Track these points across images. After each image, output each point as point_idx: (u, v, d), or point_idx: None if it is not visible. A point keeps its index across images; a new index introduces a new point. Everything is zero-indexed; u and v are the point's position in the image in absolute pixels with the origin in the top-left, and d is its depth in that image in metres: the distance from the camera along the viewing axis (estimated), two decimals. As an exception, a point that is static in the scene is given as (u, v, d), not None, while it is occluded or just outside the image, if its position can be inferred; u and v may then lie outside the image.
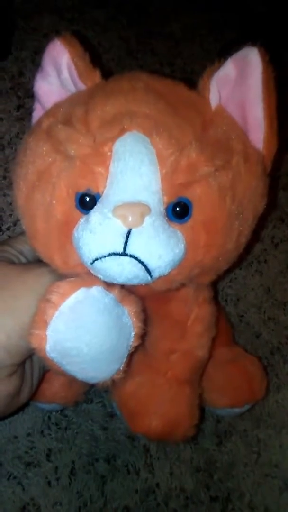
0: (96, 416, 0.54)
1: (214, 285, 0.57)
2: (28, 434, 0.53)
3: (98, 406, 0.55)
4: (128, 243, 0.32)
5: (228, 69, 0.37)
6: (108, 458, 0.53)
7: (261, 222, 0.64)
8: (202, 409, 0.52)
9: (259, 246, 0.64)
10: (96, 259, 0.33)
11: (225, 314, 0.59)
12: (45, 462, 0.52)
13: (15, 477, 0.51)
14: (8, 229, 0.60)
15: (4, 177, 0.62)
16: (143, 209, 0.32)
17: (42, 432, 0.53)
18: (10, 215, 0.60)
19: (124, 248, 0.32)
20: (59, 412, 0.54)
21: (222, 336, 0.51)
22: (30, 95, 0.65)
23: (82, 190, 0.34)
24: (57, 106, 0.39)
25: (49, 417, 0.54)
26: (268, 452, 0.55)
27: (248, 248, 0.63)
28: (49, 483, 0.51)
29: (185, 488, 0.53)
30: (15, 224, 0.60)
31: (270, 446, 0.55)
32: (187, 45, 0.77)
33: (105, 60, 0.73)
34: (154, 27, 0.78)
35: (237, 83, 0.37)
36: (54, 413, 0.54)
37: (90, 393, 0.55)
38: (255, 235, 0.63)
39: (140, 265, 0.32)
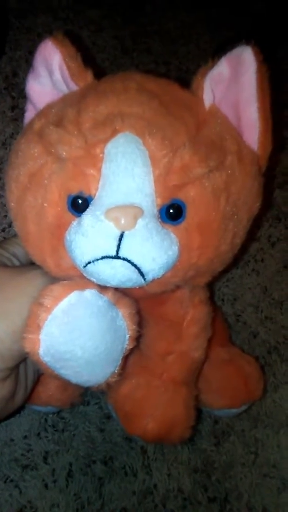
0: (93, 418, 0.54)
1: (210, 285, 0.57)
2: (25, 437, 0.53)
3: (95, 408, 0.55)
4: (121, 246, 0.32)
5: (222, 68, 0.36)
6: (106, 460, 0.53)
7: (257, 221, 0.65)
8: (199, 410, 0.52)
9: (255, 245, 0.64)
10: (89, 262, 0.33)
11: (221, 314, 0.59)
12: (42, 465, 0.52)
13: (12, 480, 0.51)
14: (3, 230, 0.60)
15: (-1, 179, 0.62)
16: (136, 212, 0.32)
17: (38, 434, 0.53)
18: (5, 216, 0.60)
19: (117, 251, 0.32)
20: (55, 414, 0.54)
21: (218, 337, 0.50)
22: (25, 96, 0.63)
23: (74, 192, 0.34)
24: (49, 107, 0.39)
25: (46, 420, 0.54)
26: (266, 452, 0.55)
27: (244, 247, 0.63)
28: (46, 485, 0.51)
29: (183, 489, 0.53)
30: (10, 226, 0.60)
31: (268, 446, 0.55)
32: (183, 44, 0.76)
33: (100, 60, 0.72)
34: (149, 26, 0.77)
35: (231, 83, 0.36)
36: (50, 415, 0.54)
37: (87, 395, 0.55)
38: (251, 234, 0.63)
39: (133, 268, 0.32)
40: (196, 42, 0.76)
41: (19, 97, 0.66)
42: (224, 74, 0.36)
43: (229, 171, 0.35)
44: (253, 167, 0.37)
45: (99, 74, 0.40)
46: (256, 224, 0.64)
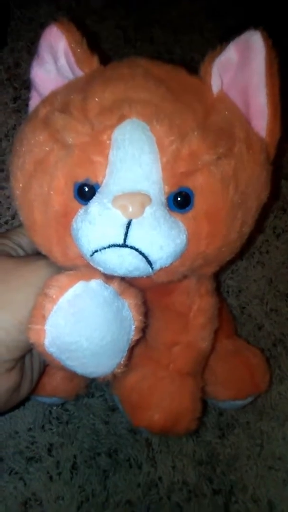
0: (97, 410, 0.54)
1: (216, 276, 0.56)
2: (29, 429, 0.53)
3: (99, 400, 0.54)
4: (128, 234, 0.31)
5: (230, 53, 0.36)
6: (110, 452, 0.53)
7: (263, 212, 0.64)
8: (204, 402, 0.51)
9: (260, 236, 0.64)
10: (96, 251, 0.32)
11: (227, 306, 0.58)
12: (46, 457, 0.52)
13: (16, 473, 0.51)
14: (6, 223, 0.60)
15: (2, 170, 0.61)
16: (143, 199, 0.31)
17: (43, 427, 0.53)
18: (8, 208, 0.60)
19: (125, 240, 0.31)
20: (60, 406, 0.54)
21: (224, 328, 0.50)
22: (27, 86, 0.64)
23: (81, 180, 0.34)
24: (54, 93, 0.38)
25: (50, 412, 0.54)
26: (271, 445, 0.55)
27: (250, 238, 0.62)
28: (50, 477, 0.51)
29: (188, 481, 0.52)
30: (13, 218, 0.59)
31: (273, 439, 0.55)
32: (186, 33, 0.75)
33: (103, 49, 0.71)
34: (152, 15, 0.76)
35: (239, 68, 0.36)
36: (55, 408, 0.54)
37: (92, 387, 0.54)
38: (257, 226, 0.63)
39: (141, 256, 0.32)
40: (199, 31, 0.76)
41: (21, 88, 0.65)
42: (232, 59, 0.36)
43: (238, 159, 0.35)
44: (261, 154, 0.37)
45: (105, 60, 0.39)
46: (261, 215, 0.64)
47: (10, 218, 0.60)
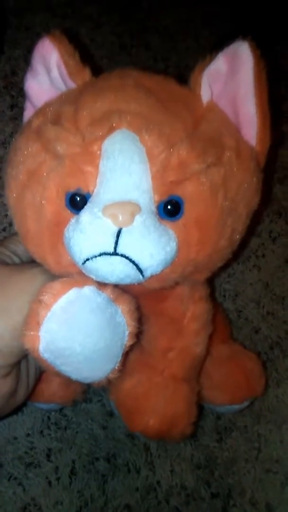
0: (95, 415, 0.54)
1: (212, 281, 0.57)
2: (28, 435, 0.53)
3: (97, 405, 0.55)
4: (118, 243, 0.32)
5: (219, 64, 0.36)
6: (108, 457, 0.53)
7: (258, 217, 0.64)
8: (201, 407, 0.52)
9: (256, 240, 0.64)
10: (88, 259, 0.33)
11: (222, 311, 0.58)
12: (45, 462, 0.52)
13: (15, 478, 0.51)
14: (4, 230, 0.60)
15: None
16: (133, 208, 0.32)
17: (41, 432, 0.53)
18: (6, 215, 0.60)
19: (115, 248, 0.32)
20: (58, 412, 0.54)
21: (219, 333, 0.51)
22: (24, 94, 0.64)
23: (72, 189, 0.34)
24: (47, 105, 0.39)
25: (49, 417, 0.54)
26: (269, 448, 0.55)
27: (245, 243, 0.63)
28: (49, 483, 0.51)
29: (186, 485, 0.53)
30: (11, 225, 0.60)
31: (270, 442, 0.55)
32: (182, 39, 0.76)
33: (98, 57, 0.72)
34: (147, 22, 0.77)
35: (229, 78, 0.36)
36: (53, 413, 0.54)
37: (89, 392, 0.55)
38: (252, 230, 0.63)
39: (131, 264, 0.32)
40: (194, 37, 0.76)
41: (18, 96, 0.66)
42: (221, 70, 0.36)
43: (227, 167, 0.35)
44: (251, 162, 0.37)
45: (98, 72, 0.40)
46: (256, 219, 0.64)
47: (7, 225, 0.60)
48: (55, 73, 0.39)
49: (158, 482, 0.52)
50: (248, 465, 0.54)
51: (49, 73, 0.39)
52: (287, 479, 0.54)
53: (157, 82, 0.38)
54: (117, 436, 0.54)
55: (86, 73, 0.39)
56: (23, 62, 0.69)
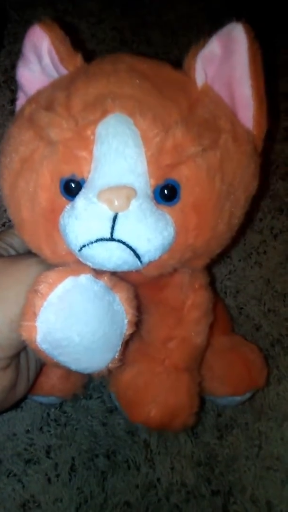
0: (95, 412, 0.54)
1: (210, 270, 0.56)
2: (27, 431, 0.53)
3: (97, 402, 0.54)
4: (115, 228, 0.31)
5: (213, 46, 0.36)
6: (108, 454, 0.53)
7: (259, 213, 0.64)
8: (202, 401, 0.51)
9: (258, 237, 0.63)
10: (84, 246, 0.32)
11: (223, 303, 0.58)
12: (44, 459, 0.52)
13: (15, 475, 0.51)
14: (3, 225, 0.60)
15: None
16: (129, 192, 0.31)
17: (41, 428, 0.53)
18: (5, 211, 0.59)
19: (111, 233, 0.31)
20: (58, 408, 0.54)
21: (220, 325, 0.50)
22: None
23: (66, 176, 0.34)
24: (39, 92, 0.39)
25: (48, 414, 0.54)
26: (269, 445, 0.55)
27: (246, 239, 0.63)
28: (49, 479, 0.51)
29: (186, 482, 0.52)
30: (10, 220, 0.59)
31: (271, 439, 0.55)
32: (183, 34, 0.75)
33: (100, 52, 0.72)
34: (149, 17, 0.76)
35: (223, 61, 0.36)
36: (53, 410, 0.54)
37: (89, 389, 0.55)
38: (253, 226, 0.63)
39: (128, 250, 0.32)
40: (196, 32, 0.75)
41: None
42: (215, 52, 0.36)
43: (224, 150, 0.35)
44: (248, 146, 0.37)
45: (89, 57, 0.39)
46: (258, 216, 0.64)
47: (7, 221, 0.60)
48: (46, 60, 0.38)
49: (158, 479, 0.52)
50: (249, 462, 0.54)
51: (40, 60, 0.39)
52: (287, 476, 0.53)
53: (151, 67, 0.38)
54: (117, 433, 0.53)
55: (78, 59, 0.39)
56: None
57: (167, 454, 0.53)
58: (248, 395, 0.50)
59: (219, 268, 0.62)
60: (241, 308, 0.61)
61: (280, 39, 0.74)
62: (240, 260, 0.62)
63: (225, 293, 0.61)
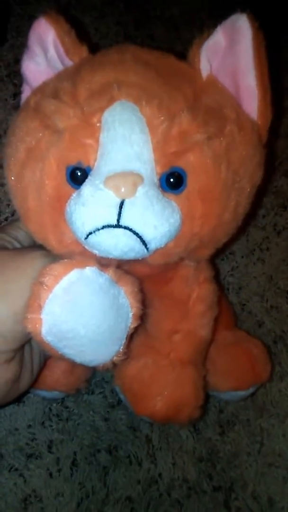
0: (97, 407, 0.54)
1: (214, 264, 0.56)
2: (29, 426, 0.53)
3: (99, 397, 0.54)
4: (121, 214, 0.31)
5: (218, 37, 0.36)
6: (110, 449, 0.53)
7: (262, 209, 0.64)
8: (206, 394, 0.51)
9: (261, 233, 0.63)
10: (90, 233, 0.32)
11: (226, 298, 0.58)
12: (46, 454, 0.52)
13: (16, 469, 0.51)
14: (6, 219, 0.59)
15: (1, 167, 0.61)
16: (135, 179, 0.32)
17: (43, 423, 0.53)
18: (8, 205, 0.59)
19: (118, 220, 0.31)
20: (60, 403, 0.54)
21: (224, 320, 0.50)
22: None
23: (73, 163, 0.34)
24: (44, 83, 0.39)
25: (50, 409, 0.54)
26: (271, 442, 0.55)
27: (249, 235, 0.62)
28: (50, 474, 0.51)
29: (188, 478, 0.52)
30: (13, 214, 0.59)
31: (273, 436, 0.55)
32: (186, 29, 0.75)
33: (103, 46, 0.71)
34: (152, 12, 0.76)
35: (228, 52, 0.36)
36: (55, 405, 0.54)
37: (91, 384, 0.54)
38: (256, 222, 0.63)
39: (135, 236, 0.32)
40: (199, 27, 0.75)
41: (22, 85, 0.65)
42: (220, 43, 0.36)
43: (229, 139, 0.35)
44: (253, 135, 0.37)
45: (95, 50, 0.39)
46: (261, 212, 0.64)
47: (10, 215, 0.59)
48: (52, 52, 0.38)
49: (159, 475, 0.52)
50: (250, 458, 0.54)
51: (46, 53, 0.39)
52: (289, 473, 0.54)
53: (156, 57, 0.38)
54: (119, 428, 0.53)
55: (83, 50, 0.39)
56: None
57: (169, 449, 0.53)
58: (251, 390, 0.50)
59: (222, 265, 0.62)
60: (244, 304, 0.60)
61: (285, 35, 0.74)
62: (243, 257, 0.62)
63: (228, 289, 0.61)
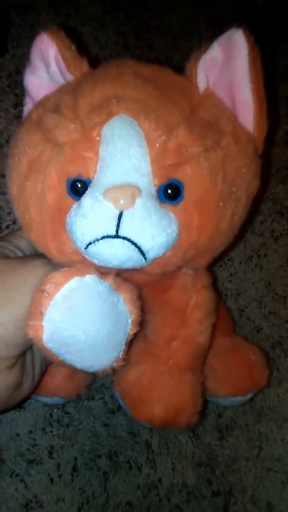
0: (97, 413, 0.55)
1: (212, 272, 0.57)
2: (30, 432, 0.53)
3: (99, 403, 0.55)
4: (120, 225, 0.32)
5: (214, 52, 0.37)
6: (110, 454, 0.53)
7: (260, 216, 0.65)
8: (204, 400, 0.52)
9: (259, 240, 0.64)
10: (90, 243, 0.33)
11: (224, 305, 0.59)
12: (47, 459, 0.52)
13: (17, 475, 0.52)
14: (7, 227, 0.60)
15: (3, 176, 0.62)
16: (133, 191, 0.33)
17: (44, 429, 0.54)
18: (9, 213, 0.60)
19: (117, 231, 0.32)
20: (60, 409, 0.54)
21: (222, 327, 0.51)
22: (28, 93, 0.65)
23: (73, 176, 0.35)
24: (46, 97, 0.40)
25: (51, 415, 0.54)
26: (269, 446, 0.55)
27: (247, 242, 0.63)
28: (51, 480, 0.52)
29: (187, 483, 0.53)
30: (14, 223, 0.60)
31: (271, 440, 0.55)
32: (185, 39, 0.76)
33: (102, 56, 0.72)
34: (151, 22, 0.77)
35: (224, 66, 0.37)
36: (55, 411, 0.54)
37: (92, 390, 0.55)
38: (254, 229, 0.64)
39: (133, 246, 0.33)
40: (197, 37, 0.76)
41: (23, 95, 0.65)
42: (217, 58, 0.37)
43: (226, 151, 0.36)
44: (249, 147, 0.38)
45: (95, 65, 0.40)
46: (259, 219, 0.65)
47: (11, 223, 0.60)
48: (53, 67, 0.40)
49: (159, 480, 0.53)
50: (249, 463, 0.54)
51: (48, 67, 0.40)
52: (288, 477, 0.54)
53: (154, 71, 0.39)
54: (119, 433, 0.54)
55: (84, 65, 0.40)
56: (27, 61, 0.69)
57: (168, 454, 0.54)
58: (249, 395, 0.51)
59: (220, 271, 0.62)
60: (242, 310, 0.61)
61: (281, 43, 0.75)
62: (241, 263, 0.63)
63: (226, 295, 0.62)
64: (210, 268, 0.43)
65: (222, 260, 0.62)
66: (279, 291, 0.62)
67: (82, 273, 0.33)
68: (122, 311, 0.34)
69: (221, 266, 0.62)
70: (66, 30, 0.39)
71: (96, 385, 0.55)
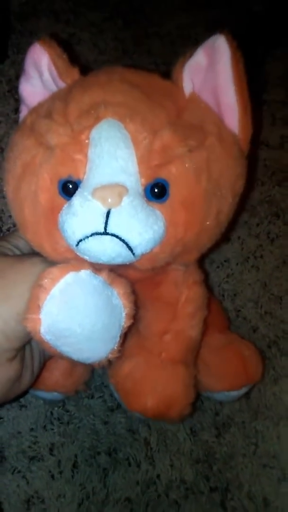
0: (97, 411, 0.56)
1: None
2: (31, 429, 0.55)
3: (99, 401, 0.56)
4: (108, 223, 0.34)
5: (199, 57, 0.39)
6: (110, 451, 0.54)
7: (256, 218, 0.66)
8: (200, 400, 0.53)
9: (255, 241, 0.65)
10: (80, 240, 0.35)
11: (219, 302, 0.60)
12: (48, 456, 0.54)
13: (19, 471, 0.53)
14: (8, 230, 0.62)
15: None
16: (120, 190, 0.34)
17: (45, 427, 0.55)
18: (10, 216, 0.61)
19: (105, 228, 0.34)
20: (61, 407, 0.55)
21: (216, 324, 0.52)
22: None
23: (64, 177, 0.37)
24: (39, 104, 0.42)
25: (52, 413, 0.55)
26: (266, 443, 0.56)
27: (244, 243, 0.64)
28: (52, 476, 0.53)
29: (185, 479, 0.54)
30: (14, 225, 0.61)
31: (268, 438, 0.56)
32: (183, 44, 0.77)
33: (101, 62, 0.74)
34: (150, 28, 0.79)
35: (209, 70, 0.39)
36: (56, 409, 0.55)
37: (91, 389, 0.56)
38: (250, 230, 0.65)
39: (121, 243, 0.35)
40: (195, 43, 0.77)
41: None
42: (201, 63, 0.39)
43: (210, 151, 0.38)
44: (234, 148, 0.40)
45: (86, 72, 0.42)
46: (255, 221, 0.66)
47: (12, 226, 0.62)
48: (46, 75, 0.41)
49: (158, 476, 0.54)
50: (246, 460, 0.55)
51: (41, 76, 0.42)
52: (283, 474, 0.55)
53: (142, 77, 0.41)
54: (118, 431, 0.55)
55: (75, 72, 0.42)
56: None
57: (167, 451, 0.55)
58: (244, 390, 0.52)
59: (217, 272, 0.63)
60: (239, 310, 0.62)
61: (279, 49, 0.76)
62: (237, 264, 0.64)
63: (223, 296, 0.63)
64: (202, 265, 0.44)
65: (219, 261, 0.64)
66: (275, 291, 0.63)
67: (77, 268, 0.35)
68: (116, 305, 0.36)
69: (218, 267, 0.64)
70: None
71: (95, 384, 0.56)
